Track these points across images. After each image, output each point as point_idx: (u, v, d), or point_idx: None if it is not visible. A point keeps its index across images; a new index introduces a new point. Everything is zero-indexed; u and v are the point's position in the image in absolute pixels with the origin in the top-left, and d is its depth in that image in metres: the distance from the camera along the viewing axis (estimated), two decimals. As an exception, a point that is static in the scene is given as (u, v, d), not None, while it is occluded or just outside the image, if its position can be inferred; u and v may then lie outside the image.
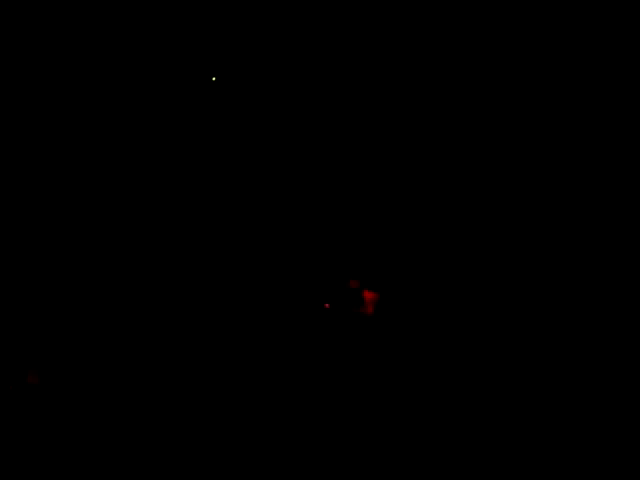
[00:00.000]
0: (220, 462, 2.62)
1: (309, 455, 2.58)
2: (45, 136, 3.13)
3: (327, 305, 2.72)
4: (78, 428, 2.69)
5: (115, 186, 3.13)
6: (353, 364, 2.69)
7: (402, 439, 2.54)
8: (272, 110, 3.21)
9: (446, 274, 2.80)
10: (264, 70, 3.21)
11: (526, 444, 2.42)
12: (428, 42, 3.07)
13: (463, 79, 3.05)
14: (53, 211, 3.08)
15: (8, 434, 2.66)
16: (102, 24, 3.15)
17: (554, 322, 2.60)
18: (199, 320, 2.87)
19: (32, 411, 2.74)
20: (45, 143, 3.13)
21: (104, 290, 2.97)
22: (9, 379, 2.78)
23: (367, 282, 2.78)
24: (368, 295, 2.70)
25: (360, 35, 3.13)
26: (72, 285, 2.97)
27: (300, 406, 2.66)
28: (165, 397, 2.76)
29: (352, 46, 3.14)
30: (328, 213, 3.03)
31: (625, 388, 2.45)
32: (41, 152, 3.12)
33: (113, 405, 2.75)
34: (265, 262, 2.91)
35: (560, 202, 2.86)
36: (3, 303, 2.92)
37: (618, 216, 2.80)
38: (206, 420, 2.70)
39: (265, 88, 3.21)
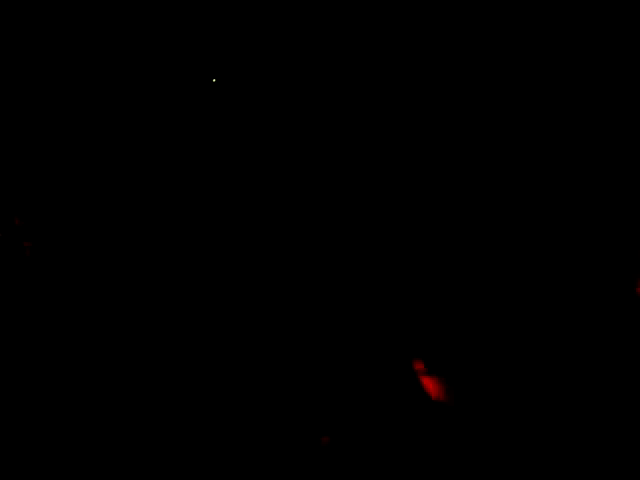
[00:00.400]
0: (220, 462, 2.62)
1: (307, 454, 2.58)
2: (45, 136, 3.14)
3: None
4: (78, 428, 2.69)
5: (115, 186, 3.14)
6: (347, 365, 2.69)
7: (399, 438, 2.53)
8: (272, 111, 3.21)
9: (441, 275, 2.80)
10: (264, 71, 3.21)
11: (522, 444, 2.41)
12: (428, 42, 3.08)
13: (463, 79, 3.06)
14: (53, 211, 3.08)
15: (9, 434, 2.67)
16: (102, 24, 3.16)
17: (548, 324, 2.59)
18: (198, 320, 2.87)
19: (33, 410, 2.74)
20: (45, 143, 3.13)
21: (104, 290, 2.97)
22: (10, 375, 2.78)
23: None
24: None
25: (360, 35, 3.13)
26: (72, 285, 2.97)
27: (295, 405, 2.66)
28: (165, 397, 2.76)
29: (352, 46, 3.14)
30: (326, 213, 3.03)
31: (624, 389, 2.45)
32: (41, 152, 3.12)
33: (113, 405, 2.75)
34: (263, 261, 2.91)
35: (559, 202, 2.86)
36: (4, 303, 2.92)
37: (617, 215, 2.79)
38: (205, 420, 2.70)
39: (265, 89, 3.22)
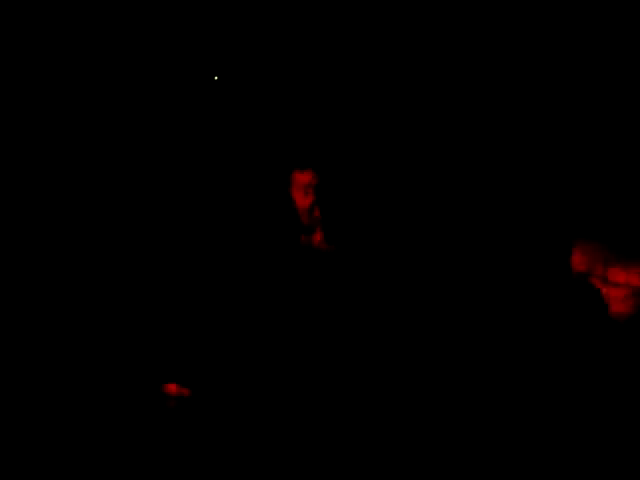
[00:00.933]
0: (220, 462, 2.63)
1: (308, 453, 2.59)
2: (45, 136, 3.15)
3: None
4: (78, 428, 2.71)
5: (115, 186, 3.14)
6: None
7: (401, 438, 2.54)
8: (273, 110, 3.21)
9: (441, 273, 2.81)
10: (264, 70, 3.21)
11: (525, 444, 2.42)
12: (428, 42, 3.08)
13: (463, 79, 3.06)
14: (53, 211, 3.09)
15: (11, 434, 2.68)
16: (103, 24, 3.16)
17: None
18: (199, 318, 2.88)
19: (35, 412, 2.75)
20: (45, 143, 3.14)
21: (106, 290, 2.98)
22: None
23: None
24: None
25: (360, 35, 3.13)
26: (75, 286, 2.98)
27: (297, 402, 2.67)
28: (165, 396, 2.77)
29: (352, 46, 3.14)
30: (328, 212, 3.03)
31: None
32: (41, 153, 3.13)
33: (114, 405, 2.77)
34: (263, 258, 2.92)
35: (559, 203, 2.86)
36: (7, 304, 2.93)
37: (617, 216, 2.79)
38: (206, 419, 2.71)
39: (265, 88, 3.22)
